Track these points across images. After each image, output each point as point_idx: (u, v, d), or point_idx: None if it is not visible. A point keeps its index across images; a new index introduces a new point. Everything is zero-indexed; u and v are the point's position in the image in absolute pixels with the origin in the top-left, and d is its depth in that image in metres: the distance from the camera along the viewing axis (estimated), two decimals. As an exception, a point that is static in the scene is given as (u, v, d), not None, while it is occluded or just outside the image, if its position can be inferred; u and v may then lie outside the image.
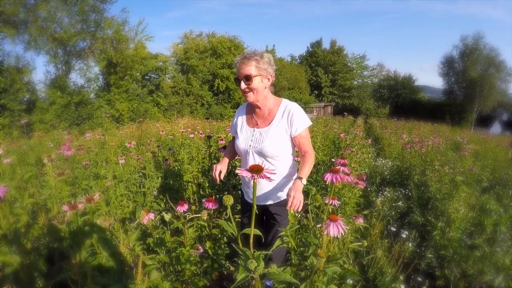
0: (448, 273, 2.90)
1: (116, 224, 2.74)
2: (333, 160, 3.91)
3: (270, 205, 2.37)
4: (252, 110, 2.43)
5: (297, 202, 1.90)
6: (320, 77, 50.04)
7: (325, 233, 1.35)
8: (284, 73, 39.88)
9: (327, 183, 1.30)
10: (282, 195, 2.35)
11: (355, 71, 52.81)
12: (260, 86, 2.22)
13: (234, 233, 1.30)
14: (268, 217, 2.45)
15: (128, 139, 7.58)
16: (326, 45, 53.00)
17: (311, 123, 2.33)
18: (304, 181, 2.12)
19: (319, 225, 1.50)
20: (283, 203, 2.24)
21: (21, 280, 1.95)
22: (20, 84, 19.90)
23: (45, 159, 3.35)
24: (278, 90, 38.23)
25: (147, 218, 2.37)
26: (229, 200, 1.36)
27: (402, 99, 45.38)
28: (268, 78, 2.27)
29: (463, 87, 38.73)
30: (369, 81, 53.54)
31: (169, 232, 2.64)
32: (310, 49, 53.28)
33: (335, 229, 1.34)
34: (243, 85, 2.20)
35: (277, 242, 1.34)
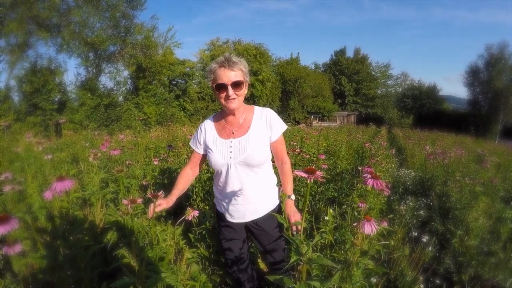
0: (465, 278, 3.05)
1: (152, 221, 2.97)
2: (359, 168, 4.12)
3: (258, 219, 2.22)
4: (223, 120, 2.23)
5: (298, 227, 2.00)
6: (343, 86, 50.10)
7: (360, 230, 1.58)
8: (308, 81, 40.00)
9: (368, 187, 1.53)
10: (270, 205, 2.25)
11: (379, 80, 52.62)
12: (244, 93, 2.11)
13: (285, 224, 1.53)
14: (253, 231, 2.30)
15: (158, 142, 7.96)
16: (350, 53, 53.27)
17: (286, 126, 2.23)
18: (293, 197, 2.16)
19: (355, 224, 1.74)
20: (269, 215, 2.20)
21: (78, 266, 2.15)
22: (52, 85, 20.91)
23: (91, 157, 3.62)
24: (302, 98, 38.29)
25: (192, 214, 2.38)
26: (284, 196, 1.61)
27: (426, 109, 44.89)
28: (247, 86, 2.16)
29: (488, 98, 38.17)
30: (393, 91, 53.34)
31: (210, 228, 2.90)
32: (334, 58, 53.45)
33: (369, 228, 1.58)
34: (231, 91, 1.98)
35: (317, 238, 1.55)
